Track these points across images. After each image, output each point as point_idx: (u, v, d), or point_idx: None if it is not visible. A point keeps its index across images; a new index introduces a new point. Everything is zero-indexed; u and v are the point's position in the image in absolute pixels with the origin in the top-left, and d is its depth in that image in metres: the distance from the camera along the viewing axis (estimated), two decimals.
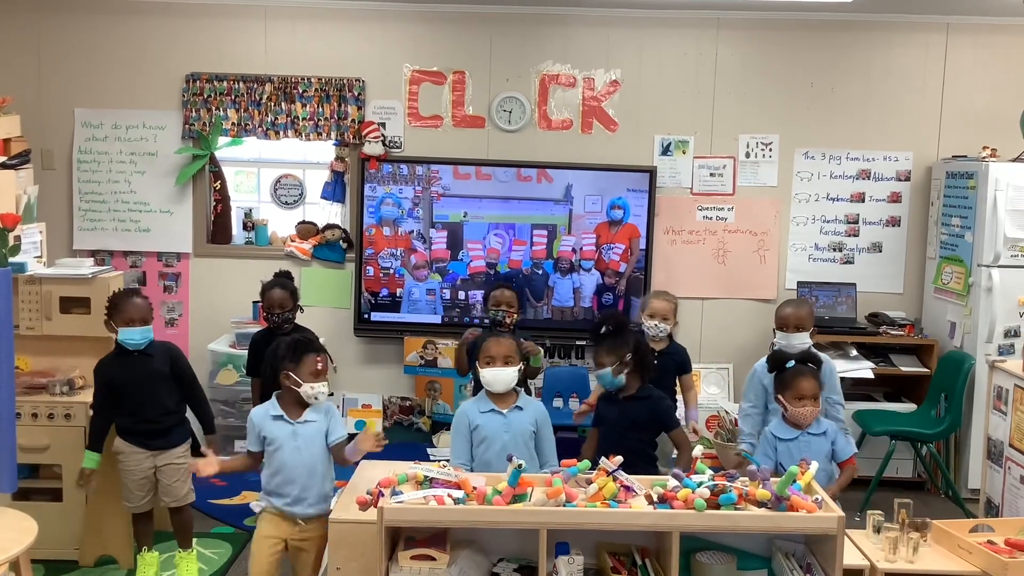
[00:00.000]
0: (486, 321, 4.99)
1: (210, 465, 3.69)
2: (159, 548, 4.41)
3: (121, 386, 4.21)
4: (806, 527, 2.95)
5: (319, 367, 3.72)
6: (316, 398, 3.72)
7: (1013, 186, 5.51)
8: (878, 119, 6.26)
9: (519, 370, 3.85)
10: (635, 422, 4.00)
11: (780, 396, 3.93)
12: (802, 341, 4.44)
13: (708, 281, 6.36)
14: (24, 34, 6.23)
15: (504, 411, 3.82)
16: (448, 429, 6.11)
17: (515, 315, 4.91)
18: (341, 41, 6.26)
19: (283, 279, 5.03)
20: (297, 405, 3.75)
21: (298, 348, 3.76)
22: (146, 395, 4.21)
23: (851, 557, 3.19)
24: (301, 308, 5.00)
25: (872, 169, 6.30)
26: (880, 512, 3.55)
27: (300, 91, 6.21)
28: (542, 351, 4.90)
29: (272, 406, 3.77)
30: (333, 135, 6.27)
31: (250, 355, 5.00)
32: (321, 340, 4.96)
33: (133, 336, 4.18)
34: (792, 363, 3.98)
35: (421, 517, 2.93)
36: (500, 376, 3.79)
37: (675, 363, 4.88)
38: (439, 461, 3.28)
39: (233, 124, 6.25)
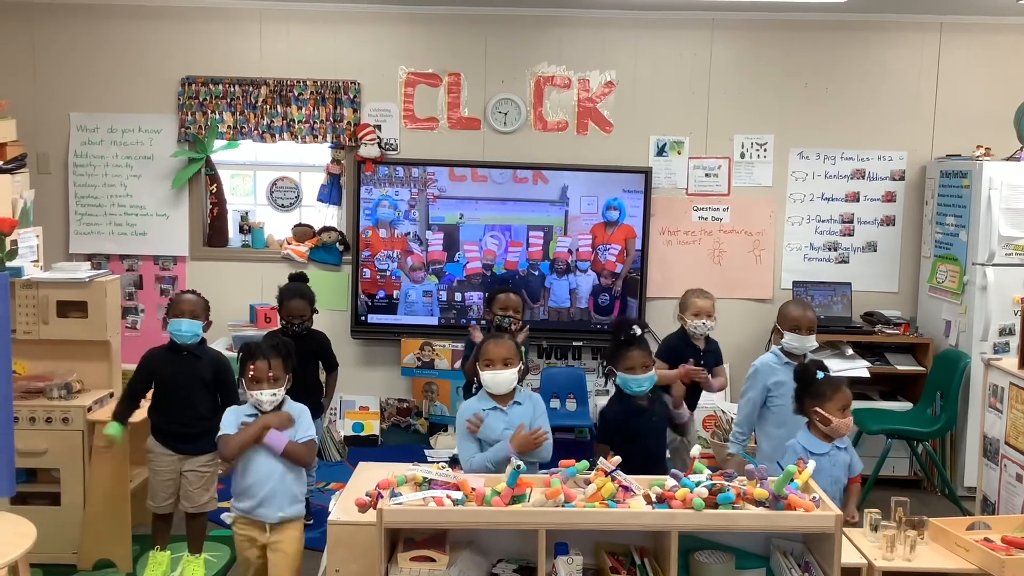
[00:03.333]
0: (491, 323, 4.92)
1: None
2: (154, 554, 4.43)
3: (162, 380, 4.26)
4: (804, 526, 2.97)
5: (250, 374, 3.72)
6: (259, 405, 3.73)
7: (1007, 184, 5.52)
8: (872, 119, 6.28)
9: (519, 371, 3.88)
10: (663, 421, 4.13)
11: (819, 408, 3.74)
12: (813, 343, 4.48)
13: (704, 281, 6.32)
14: (19, 39, 6.23)
15: (504, 408, 3.87)
16: (446, 431, 6.16)
17: (519, 321, 4.87)
18: (336, 44, 6.26)
19: (300, 285, 5.04)
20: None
21: (243, 354, 3.81)
22: (183, 395, 4.23)
23: (849, 555, 3.19)
24: (316, 310, 5.03)
25: (867, 168, 6.32)
26: (877, 510, 3.55)
27: (296, 94, 6.21)
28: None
29: (247, 408, 3.81)
30: (329, 138, 6.27)
31: None
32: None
33: (179, 327, 4.23)
34: (821, 373, 3.87)
35: (420, 518, 2.93)
36: (499, 378, 3.83)
37: (714, 359, 4.96)
38: (437, 462, 3.29)
39: (229, 127, 6.25)
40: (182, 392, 4.24)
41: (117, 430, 4.26)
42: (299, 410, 3.84)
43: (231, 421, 3.77)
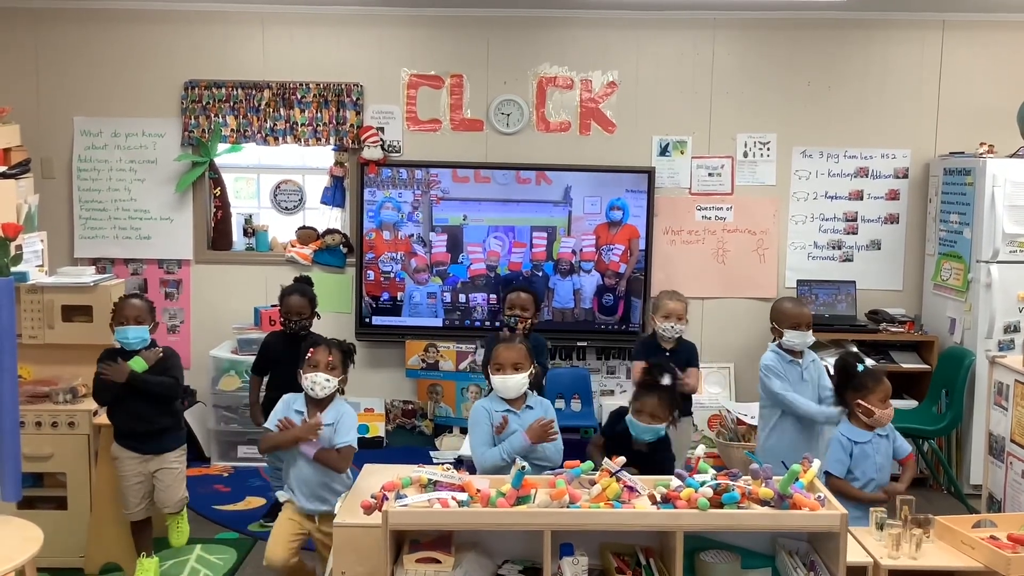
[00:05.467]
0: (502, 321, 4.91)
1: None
2: (159, 556, 4.44)
3: (116, 384, 4.21)
4: (809, 525, 2.97)
5: (308, 355, 3.85)
6: (312, 388, 3.83)
7: (1011, 182, 5.51)
8: (875, 117, 6.28)
9: (530, 375, 3.88)
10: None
11: (860, 400, 3.83)
12: (812, 339, 4.52)
13: (708, 281, 6.38)
14: (23, 44, 6.25)
15: (518, 412, 3.89)
16: (451, 432, 6.16)
17: (529, 320, 4.80)
18: (339, 47, 6.27)
19: (303, 285, 5.05)
20: (316, 407, 3.87)
21: (308, 343, 3.96)
22: (137, 395, 4.19)
23: (854, 554, 3.19)
24: (318, 315, 5.03)
25: (870, 167, 6.32)
26: (883, 509, 3.55)
27: (299, 97, 6.22)
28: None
29: (298, 401, 3.91)
30: (332, 140, 6.28)
31: (259, 354, 5.05)
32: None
33: (126, 335, 4.21)
34: (860, 366, 3.94)
35: (426, 520, 2.93)
36: (509, 383, 3.85)
37: (684, 360, 4.89)
38: (443, 464, 3.29)
39: (232, 131, 6.27)
40: (135, 392, 4.19)
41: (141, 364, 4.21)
42: (340, 413, 3.90)
43: (279, 411, 3.90)
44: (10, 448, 3.54)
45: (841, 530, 2.89)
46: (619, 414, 3.98)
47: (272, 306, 5.72)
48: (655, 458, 3.77)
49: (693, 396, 4.96)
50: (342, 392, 3.99)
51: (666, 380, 3.81)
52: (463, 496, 2.97)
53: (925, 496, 5.57)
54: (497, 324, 4.91)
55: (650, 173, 6.20)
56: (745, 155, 6.33)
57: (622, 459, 3.07)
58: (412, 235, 6.23)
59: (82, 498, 4.46)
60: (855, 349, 5.55)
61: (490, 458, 3.76)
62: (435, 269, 6.24)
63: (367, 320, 6.29)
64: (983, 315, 5.57)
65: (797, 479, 3.00)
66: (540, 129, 6.32)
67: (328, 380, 3.85)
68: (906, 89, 6.25)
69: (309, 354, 3.87)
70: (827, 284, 6.23)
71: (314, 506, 3.84)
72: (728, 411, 5.90)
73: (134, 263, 6.43)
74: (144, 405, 4.22)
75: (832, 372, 4.23)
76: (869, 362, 5.70)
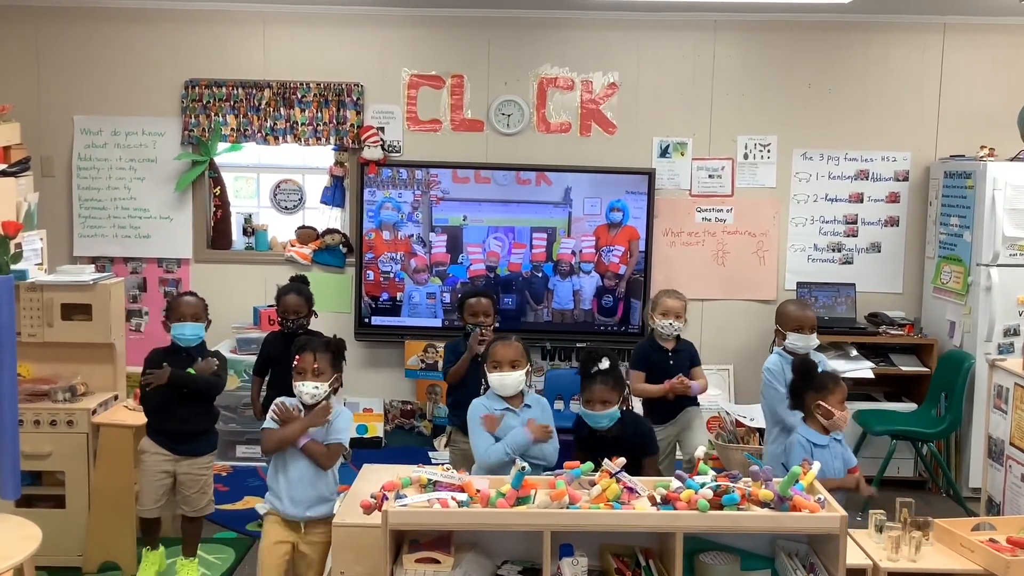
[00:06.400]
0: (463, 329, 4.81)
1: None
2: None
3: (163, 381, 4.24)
4: (809, 527, 2.96)
5: (294, 363, 3.73)
6: (299, 397, 3.73)
7: (1011, 185, 5.52)
8: (876, 119, 6.28)
9: (527, 372, 3.88)
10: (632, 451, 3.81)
11: (821, 402, 3.80)
12: (816, 342, 4.51)
13: (708, 282, 6.38)
14: (23, 42, 6.25)
15: (517, 410, 3.88)
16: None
17: (492, 326, 4.74)
18: (339, 46, 6.27)
19: (299, 284, 5.04)
20: (311, 410, 3.78)
21: (295, 348, 3.84)
22: (182, 395, 4.21)
23: (854, 556, 3.19)
24: (315, 313, 5.02)
25: (870, 169, 6.32)
26: (882, 511, 3.55)
27: (299, 96, 6.22)
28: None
29: (295, 400, 3.81)
30: (332, 140, 6.28)
31: (260, 355, 5.05)
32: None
33: (184, 331, 4.26)
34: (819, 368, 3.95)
35: (425, 520, 2.93)
36: (506, 380, 3.85)
37: (688, 358, 4.89)
38: (442, 464, 3.29)
39: (232, 130, 6.26)
40: (181, 392, 4.22)
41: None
42: (336, 413, 3.81)
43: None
44: (9, 446, 3.54)
45: (841, 532, 2.88)
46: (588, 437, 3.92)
47: (269, 306, 5.71)
48: (627, 439, 3.79)
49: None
50: (335, 392, 3.88)
51: (604, 364, 3.81)
52: (463, 496, 2.97)
53: (924, 499, 5.57)
54: (463, 327, 4.80)
55: (650, 174, 6.20)
56: (745, 157, 6.33)
57: (622, 460, 3.07)
58: (412, 235, 6.22)
59: (80, 497, 4.46)
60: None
61: (494, 454, 3.75)
62: (435, 269, 6.24)
63: (366, 320, 6.29)
64: (983, 318, 5.57)
65: (797, 481, 3.00)
66: (540, 130, 6.32)
67: (316, 387, 3.71)
68: (907, 92, 6.25)
69: (296, 361, 3.75)
70: (827, 286, 6.23)
71: (303, 512, 3.70)
72: (727, 413, 5.89)
73: (133, 262, 6.43)
74: (179, 404, 4.22)
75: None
76: (868, 364, 5.77)
